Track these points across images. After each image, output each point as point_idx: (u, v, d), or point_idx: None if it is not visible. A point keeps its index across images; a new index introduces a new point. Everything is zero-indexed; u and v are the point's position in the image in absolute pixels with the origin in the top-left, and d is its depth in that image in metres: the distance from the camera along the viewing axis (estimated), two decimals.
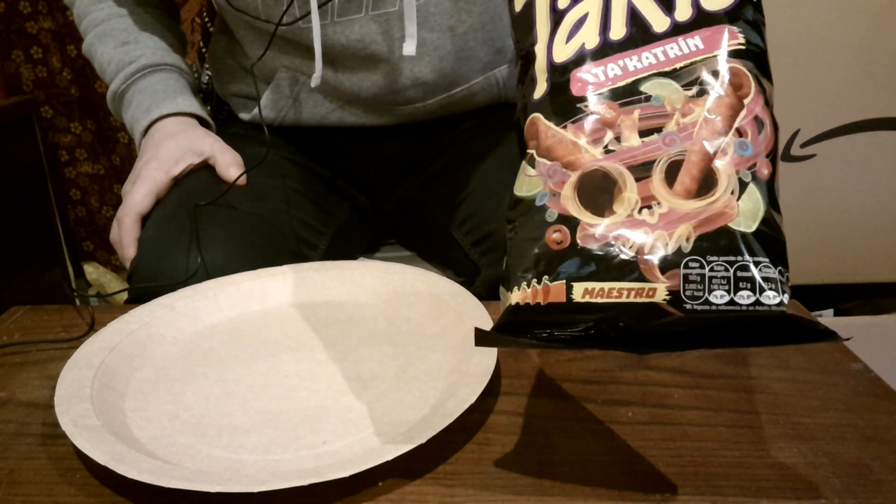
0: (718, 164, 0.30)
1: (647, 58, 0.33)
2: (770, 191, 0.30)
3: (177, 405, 0.41)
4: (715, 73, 0.32)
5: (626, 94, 0.33)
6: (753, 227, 0.29)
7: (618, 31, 0.34)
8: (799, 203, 1.07)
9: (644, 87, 0.33)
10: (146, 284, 0.57)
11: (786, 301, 0.29)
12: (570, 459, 0.36)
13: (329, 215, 0.75)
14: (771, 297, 0.29)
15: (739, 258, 0.29)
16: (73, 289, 1.58)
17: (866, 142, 1.05)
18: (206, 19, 0.88)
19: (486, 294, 0.66)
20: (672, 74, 0.33)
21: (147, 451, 0.36)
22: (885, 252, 1.12)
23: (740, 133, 0.31)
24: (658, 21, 0.34)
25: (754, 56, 0.33)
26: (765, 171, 0.30)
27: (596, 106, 0.34)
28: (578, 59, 0.35)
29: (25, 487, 0.35)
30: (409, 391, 0.42)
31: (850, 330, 1.02)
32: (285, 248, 0.65)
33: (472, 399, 0.37)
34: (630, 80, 0.33)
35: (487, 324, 0.45)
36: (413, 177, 0.79)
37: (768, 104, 0.32)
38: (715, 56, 0.33)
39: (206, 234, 0.59)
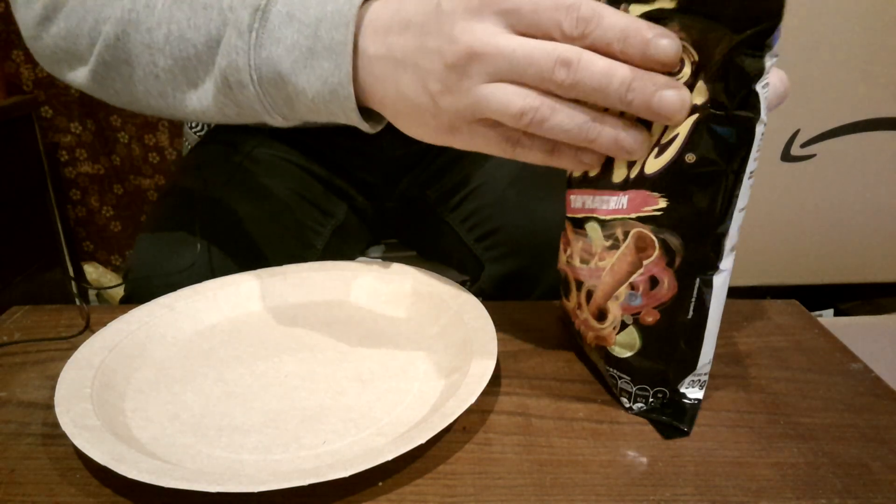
0: (610, 305, 0.39)
1: (595, 201, 0.39)
2: (648, 333, 0.38)
3: (177, 405, 0.41)
4: (626, 233, 0.37)
5: (579, 225, 0.41)
6: (627, 355, 0.39)
7: (596, 169, 0.39)
8: (799, 203, 1.06)
9: (586, 225, 0.40)
10: (143, 275, 0.57)
11: (634, 408, 0.40)
12: (570, 459, 0.36)
13: (327, 216, 0.75)
14: (624, 402, 0.40)
15: (612, 370, 0.41)
16: (73, 277, 1.58)
17: (866, 142, 1.05)
18: None
19: (492, 290, 0.66)
20: (603, 223, 0.38)
21: (147, 451, 0.36)
22: (885, 252, 1.12)
23: (633, 286, 0.37)
24: (619, 173, 0.37)
25: (671, 221, 0.35)
26: (648, 319, 0.38)
27: (567, 225, 0.43)
28: (571, 182, 0.42)
29: (25, 487, 0.35)
30: (409, 391, 0.42)
31: (850, 330, 1.02)
32: (282, 248, 0.65)
33: (472, 399, 0.37)
34: (582, 215, 0.40)
35: (488, 324, 0.45)
36: (414, 174, 0.79)
37: (672, 265, 0.36)
38: (629, 218, 0.37)
39: (203, 234, 0.59)
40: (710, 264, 0.36)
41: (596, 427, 0.39)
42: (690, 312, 0.37)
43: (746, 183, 0.34)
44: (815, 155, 1.06)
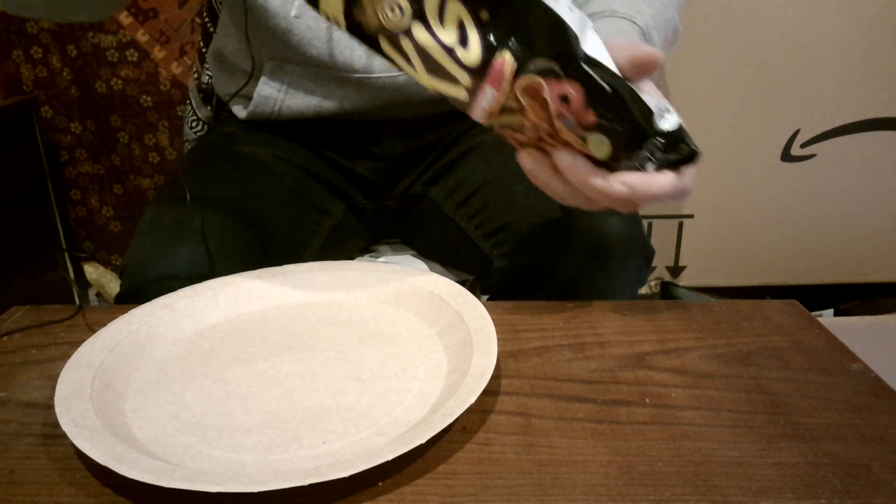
0: (565, 136, 0.42)
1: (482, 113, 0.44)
2: (602, 127, 0.41)
3: (177, 405, 0.41)
4: (515, 97, 0.41)
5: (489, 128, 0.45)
6: (608, 151, 0.42)
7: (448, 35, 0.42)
8: (799, 203, 1.07)
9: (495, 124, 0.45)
10: (140, 272, 0.57)
11: (650, 168, 0.44)
12: (570, 459, 0.36)
13: (324, 214, 0.75)
14: (648, 168, 0.44)
15: (600, 160, 0.43)
16: (66, 248, 1.57)
17: (866, 142, 1.05)
18: (207, 19, 0.88)
19: (501, 286, 0.66)
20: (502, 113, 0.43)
21: (147, 451, 0.36)
22: (885, 252, 1.12)
23: (559, 116, 0.41)
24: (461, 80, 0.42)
25: (524, 53, 0.40)
26: (590, 119, 0.41)
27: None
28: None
29: (25, 487, 0.35)
30: (409, 391, 0.42)
31: (850, 330, 1.02)
32: (278, 246, 0.65)
33: (472, 399, 0.37)
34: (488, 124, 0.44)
35: (488, 324, 0.45)
36: (417, 172, 0.79)
37: (557, 75, 0.40)
38: (505, 91, 0.41)
39: (201, 233, 0.59)
40: (572, 48, 0.39)
41: (596, 427, 0.39)
42: (604, 85, 0.40)
43: None
44: (815, 155, 1.06)
